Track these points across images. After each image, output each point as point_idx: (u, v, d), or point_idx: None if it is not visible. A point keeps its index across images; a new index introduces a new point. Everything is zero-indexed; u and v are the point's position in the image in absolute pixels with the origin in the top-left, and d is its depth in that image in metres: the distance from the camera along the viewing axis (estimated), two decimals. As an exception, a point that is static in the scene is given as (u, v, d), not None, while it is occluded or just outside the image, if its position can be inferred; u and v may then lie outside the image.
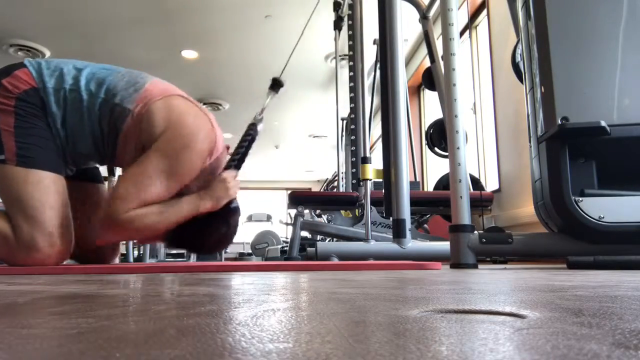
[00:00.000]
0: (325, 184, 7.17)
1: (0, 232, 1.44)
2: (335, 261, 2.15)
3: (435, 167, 5.18)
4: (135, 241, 1.58)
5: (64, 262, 1.54)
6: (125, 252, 5.01)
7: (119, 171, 1.79)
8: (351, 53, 3.72)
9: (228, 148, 1.69)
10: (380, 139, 2.83)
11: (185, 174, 1.47)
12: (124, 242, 1.60)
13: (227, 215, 1.55)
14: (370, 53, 4.04)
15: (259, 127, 1.67)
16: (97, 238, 1.48)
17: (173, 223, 1.45)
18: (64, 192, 1.50)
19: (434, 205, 3.25)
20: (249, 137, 1.65)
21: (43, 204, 1.43)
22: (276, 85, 1.73)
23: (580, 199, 1.61)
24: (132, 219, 1.40)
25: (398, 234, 2.22)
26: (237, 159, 1.62)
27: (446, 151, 3.18)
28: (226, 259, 8.06)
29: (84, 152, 1.57)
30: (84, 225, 1.64)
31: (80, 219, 1.64)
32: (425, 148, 4.48)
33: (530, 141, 1.84)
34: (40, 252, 1.42)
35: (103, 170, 1.99)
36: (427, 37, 3.60)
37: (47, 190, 1.45)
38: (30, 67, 1.51)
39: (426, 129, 3.90)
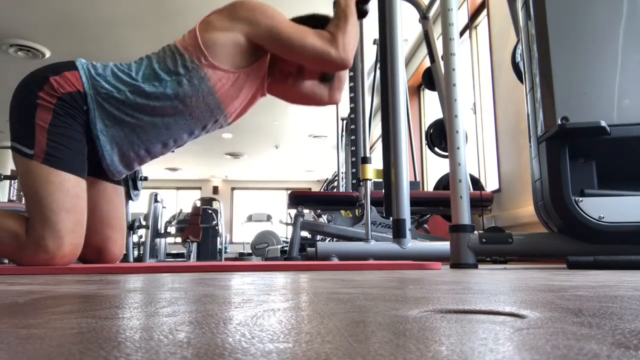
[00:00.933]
0: (325, 184, 7.18)
1: (12, 230, 1.45)
2: (335, 261, 2.15)
3: (435, 167, 5.18)
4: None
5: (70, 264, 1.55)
6: (125, 252, 5.01)
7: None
8: (351, 53, 3.72)
9: None
10: (380, 139, 2.83)
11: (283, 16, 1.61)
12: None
13: (361, 11, 1.74)
14: (370, 53, 4.04)
15: None
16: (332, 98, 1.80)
17: (354, 23, 1.65)
18: (83, 197, 1.51)
19: (434, 205, 3.25)
20: None
21: (59, 205, 1.44)
22: (362, 13, 1.81)
23: (580, 199, 1.61)
24: (345, 44, 1.59)
25: (398, 234, 2.22)
26: None
27: (446, 151, 3.18)
28: (226, 259, 8.07)
29: (165, 142, 1.61)
30: (94, 225, 1.64)
31: (93, 217, 1.65)
32: (425, 148, 4.49)
33: (530, 141, 1.84)
34: (48, 253, 1.42)
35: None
36: (427, 37, 3.60)
37: (66, 193, 1.45)
38: (82, 71, 1.51)
39: (426, 129, 3.90)
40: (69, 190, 1.46)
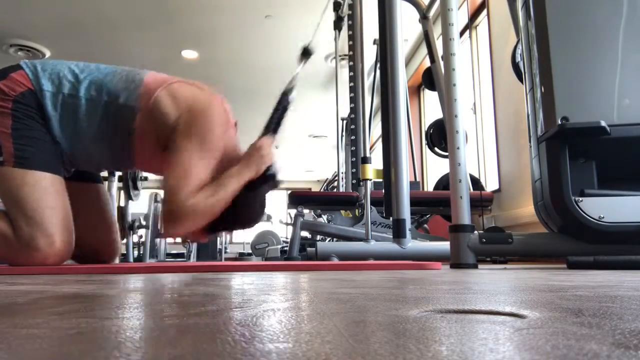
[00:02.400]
0: (325, 184, 7.17)
1: (1, 232, 1.44)
2: (335, 261, 2.15)
3: (435, 167, 5.18)
4: (189, 238, 1.55)
5: (65, 262, 1.54)
6: (125, 252, 5.01)
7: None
8: (351, 53, 3.72)
9: (236, 124, 1.71)
10: (380, 139, 2.83)
11: (216, 148, 1.49)
12: (190, 238, 1.59)
13: (265, 183, 1.55)
14: (370, 53, 4.03)
15: (292, 95, 1.66)
16: (165, 234, 1.47)
17: (228, 198, 1.45)
18: (63, 193, 1.50)
19: (434, 205, 3.25)
20: (281, 106, 1.64)
21: (41, 204, 1.43)
22: (306, 53, 1.75)
23: (580, 199, 1.61)
24: (195, 205, 1.40)
25: (398, 234, 2.22)
26: (273, 124, 1.62)
27: (446, 151, 3.18)
28: (226, 259, 8.06)
29: (88, 158, 1.58)
30: (84, 225, 1.64)
31: (80, 219, 1.64)
32: (425, 148, 4.48)
33: (530, 141, 1.84)
34: (40, 252, 1.42)
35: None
36: (427, 37, 3.60)
37: (45, 191, 1.45)
38: (27, 69, 1.51)
39: (426, 129, 3.90)
40: (48, 188, 1.46)
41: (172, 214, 1.40)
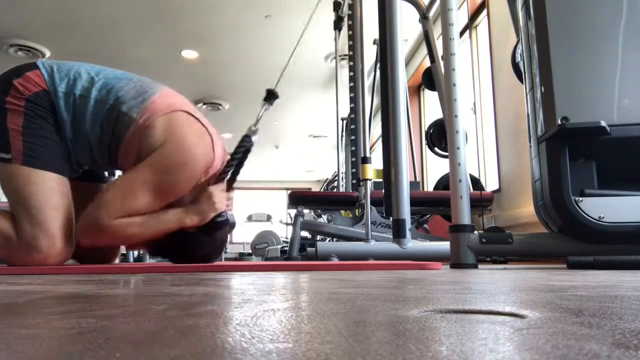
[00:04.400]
0: (325, 184, 7.17)
1: (2, 231, 1.44)
2: (335, 261, 2.15)
3: (435, 167, 5.18)
4: (119, 246, 1.57)
5: (65, 262, 1.54)
6: (125, 252, 5.01)
7: (118, 172, 1.80)
8: (351, 53, 3.72)
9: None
10: (380, 139, 2.83)
11: (175, 192, 1.49)
12: (103, 246, 1.61)
13: (212, 229, 1.53)
14: (370, 53, 4.03)
15: (254, 139, 1.65)
16: (76, 238, 1.48)
17: (156, 235, 1.47)
18: (67, 193, 1.51)
19: (434, 205, 3.25)
20: (242, 149, 1.61)
21: (45, 204, 1.44)
22: (271, 96, 1.73)
23: (580, 199, 1.61)
24: (114, 228, 1.42)
25: (398, 234, 2.22)
26: (228, 171, 1.59)
27: (446, 151, 3.18)
28: (226, 259, 8.06)
29: (92, 158, 1.60)
30: None
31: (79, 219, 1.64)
32: (425, 148, 4.48)
33: (530, 141, 1.84)
34: (41, 253, 1.42)
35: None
36: (427, 37, 3.60)
37: (50, 191, 1.45)
38: (43, 69, 1.51)
39: (426, 129, 3.90)
40: (53, 189, 1.46)
41: (87, 224, 1.44)
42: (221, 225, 1.55)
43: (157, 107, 1.51)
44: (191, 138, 1.49)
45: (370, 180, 2.59)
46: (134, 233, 1.44)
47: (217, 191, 1.54)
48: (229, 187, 1.60)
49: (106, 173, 1.75)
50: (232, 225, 1.62)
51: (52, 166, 1.48)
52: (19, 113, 1.46)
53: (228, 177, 1.60)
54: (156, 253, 1.56)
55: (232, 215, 1.62)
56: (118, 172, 1.78)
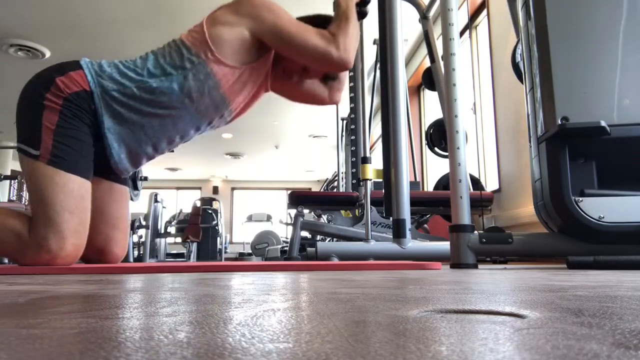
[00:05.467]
0: (325, 184, 7.18)
1: (15, 229, 1.45)
2: (335, 261, 2.15)
3: (435, 167, 5.18)
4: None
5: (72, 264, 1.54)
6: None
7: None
8: (351, 53, 3.71)
9: None
10: (380, 139, 2.83)
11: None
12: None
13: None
14: (370, 53, 4.04)
15: None
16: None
17: (355, 26, 1.67)
18: (87, 198, 1.51)
19: (434, 205, 3.25)
20: None
21: (63, 206, 1.44)
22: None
23: (580, 199, 1.61)
24: (345, 42, 1.60)
25: (398, 234, 2.22)
26: None
27: (446, 151, 3.18)
28: (226, 259, 8.06)
29: (147, 147, 1.60)
30: (97, 225, 1.64)
31: (102, 216, 1.65)
32: (425, 148, 4.48)
33: (530, 141, 1.84)
34: (50, 254, 1.42)
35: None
36: (427, 37, 3.60)
37: (70, 194, 1.46)
38: (87, 70, 1.51)
39: (426, 129, 3.90)
40: (74, 192, 1.46)
41: (333, 53, 1.60)
42: (366, 11, 1.79)
43: (195, 31, 1.58)
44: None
45: (370, 180, 2.59)
46: (351, 25, 1.63)
47: None
48: None
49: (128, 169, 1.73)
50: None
51: (77, 169, 1.48)
52: (55, 111, 1.46)
53: None
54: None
55: None
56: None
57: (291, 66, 1.75)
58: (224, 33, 1.55)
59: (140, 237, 6.54)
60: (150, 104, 1.52)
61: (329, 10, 1.76)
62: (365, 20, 3.42)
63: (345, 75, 1.91)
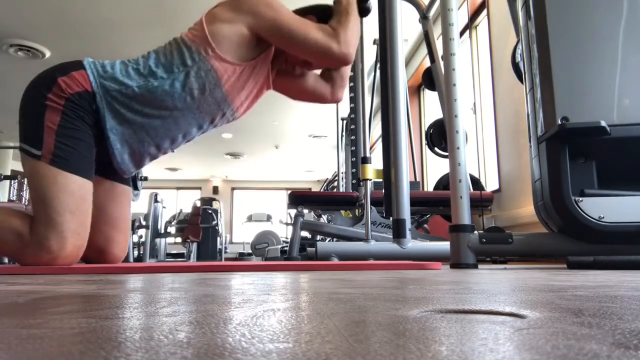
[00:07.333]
0: (325, 184, 7.18)
1: (15, 229, 1.45)
2: (335, 261, 2.15)
3: (435, 167, 5.18)
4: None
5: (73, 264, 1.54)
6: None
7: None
8: (351, 53, 3.71)
9: None
10: (380, 139, 2.83)
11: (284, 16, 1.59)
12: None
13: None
14: (370, 53, 4.03)
15: None
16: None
17: (356, 21, 1.68)
18: (88, 199, 1.51)
19: (434, 205, 3.25)
20: None
21: (64, 207, 1.44)
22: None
23: (580, 199, 1.61)
24: (346, 37, 1.61)
25: (398, 234, 2.22)
26: None
27: (446, 151, 3.18)
28: (226, 259, 8.06)
29: (150, 146, 1.60)
30: (98, 225, 1.64)
31: (103, 215, 1.65)
32: (425, 148, 4.48)
33: (530, 141, 1.84)
34: (50, 254, 1.42)
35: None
36: (427, 37, 3.60)
37: (72, 194, 1.45)
38: (89, 70, 1.51)
39: (426, 129, 3.90)
40: (75, 192, 1.46)
41: (334, 48, 1.59)
42: (368, 7, 1.78)
43: (195, 28, 1.58)
44: None
45: (370, 180, 2.59)
46: (351, 21, 1.64)
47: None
48: None
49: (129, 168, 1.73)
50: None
51: (79, 169, 1.48)
52: (57, 111, 1.46)
53: None
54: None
55: None
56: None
57: (292, 62, 1.76)
58: (224, 30, 1.55)
59: (140, 237, 6.54)
60: (151, 105, 1.52)
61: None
62: (365, 20, 3.42)
63: (347, 72, 1.90)
